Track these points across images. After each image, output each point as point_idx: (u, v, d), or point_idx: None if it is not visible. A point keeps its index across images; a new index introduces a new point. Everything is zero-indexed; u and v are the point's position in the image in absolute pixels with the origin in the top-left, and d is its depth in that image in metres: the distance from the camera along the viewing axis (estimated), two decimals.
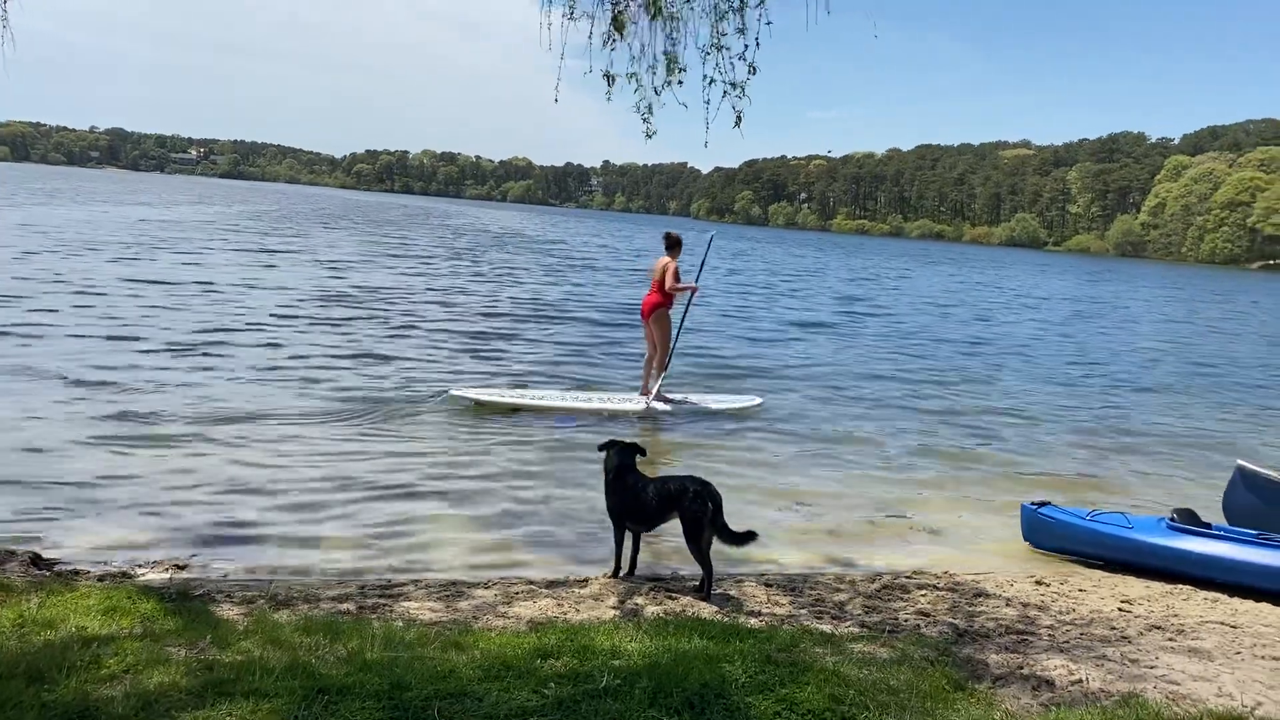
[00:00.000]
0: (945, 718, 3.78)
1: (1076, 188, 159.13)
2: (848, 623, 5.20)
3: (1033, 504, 7.32)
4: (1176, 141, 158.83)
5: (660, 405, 11.07)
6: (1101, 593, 6.28)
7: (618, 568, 5.85)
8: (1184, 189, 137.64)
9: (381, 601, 5.18)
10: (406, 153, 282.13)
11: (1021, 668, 4.56)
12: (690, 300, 11.76)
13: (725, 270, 40.58)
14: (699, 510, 5.40)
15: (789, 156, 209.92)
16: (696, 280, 11.54)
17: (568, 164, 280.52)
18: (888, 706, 3.78)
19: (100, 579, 5.21)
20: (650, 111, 5.84)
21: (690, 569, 5.86)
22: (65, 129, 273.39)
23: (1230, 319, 37.11)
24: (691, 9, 5.63)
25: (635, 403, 11.11)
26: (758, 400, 11.90)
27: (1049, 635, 5.23)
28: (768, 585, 5.91)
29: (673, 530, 5.69)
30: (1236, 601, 6.19)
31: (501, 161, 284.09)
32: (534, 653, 4.12)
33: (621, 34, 5.58)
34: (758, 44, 5.59)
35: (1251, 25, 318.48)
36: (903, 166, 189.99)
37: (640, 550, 5.97)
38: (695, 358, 15.23)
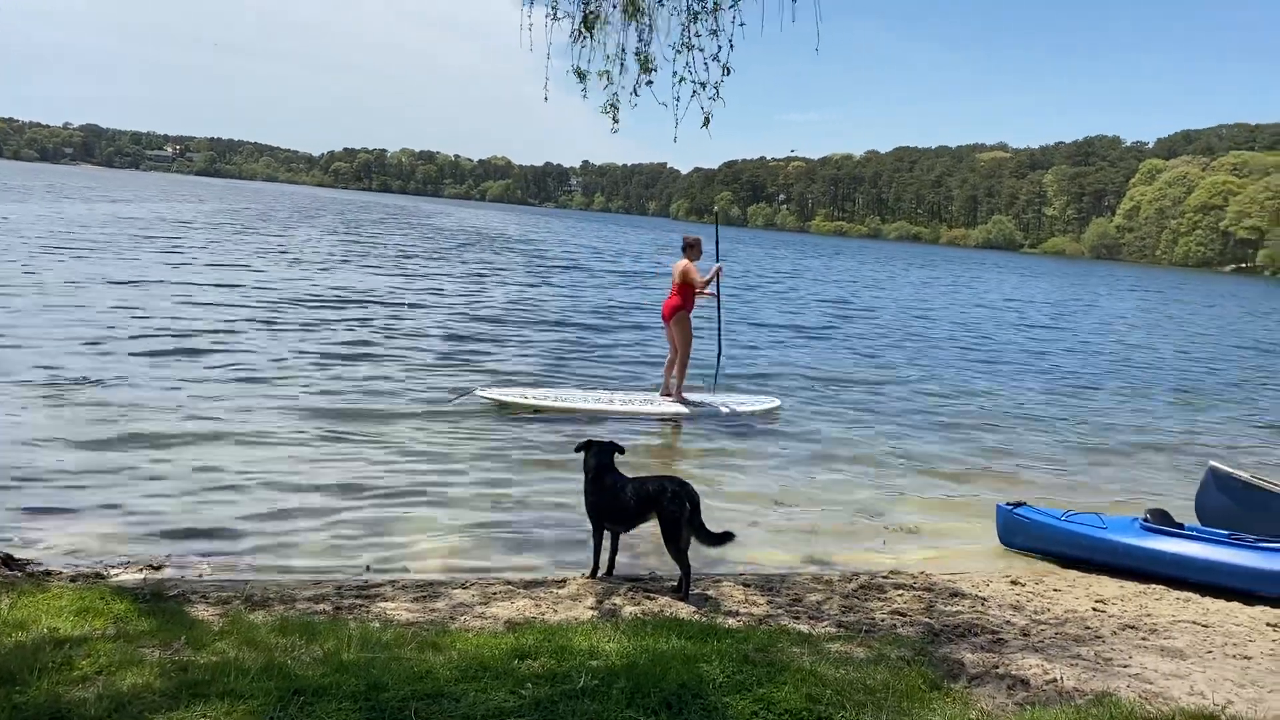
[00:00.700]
0: (921, 717, 3.80)
1: (1052, 190, 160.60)
2: (824, 622, 5.22)
3: (1008, 504, 7.38)
4: (1151, 145, 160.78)
5: (680, 407, 11.09)
6: (1076, 592, 6.34)
7: (596, 568, 5.84)
8: (1158, 192, 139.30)
9: (358, 602, 5.15)
10: (385, 151, 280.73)
11: (997, 667, 4.60)
12: (718, 284, 11.71)
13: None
14: (677, 510, 5.41)
15: (768, 158, 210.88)
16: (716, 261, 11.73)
17: (547, 164, 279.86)
18: (864, 706, 3.79)
19: (73, 580, 5.15)
20: (616, 108, 5.86)
21: (668, 569, 5.86)
22: (38, 125, 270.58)
23: (1196, 316, 37.51)
24: (662, 8, 5.65)
25: (658, 404, 11.14)
26: (776, 402, 11.93)
27: (1024, 635, 5.27)
28: (745, 585, 5.92)
29: (650, 530, 5.69)
30: (1208, 601, 6.27)
31: (480, 161, 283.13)
32: (511, 653, 4.11)
33: (591, 32, 5.60)
34: (731, 45, 5.62)
35: (1225, 31, 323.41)
36: (881, 168, 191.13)
37: (619, 551, 5.97)
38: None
